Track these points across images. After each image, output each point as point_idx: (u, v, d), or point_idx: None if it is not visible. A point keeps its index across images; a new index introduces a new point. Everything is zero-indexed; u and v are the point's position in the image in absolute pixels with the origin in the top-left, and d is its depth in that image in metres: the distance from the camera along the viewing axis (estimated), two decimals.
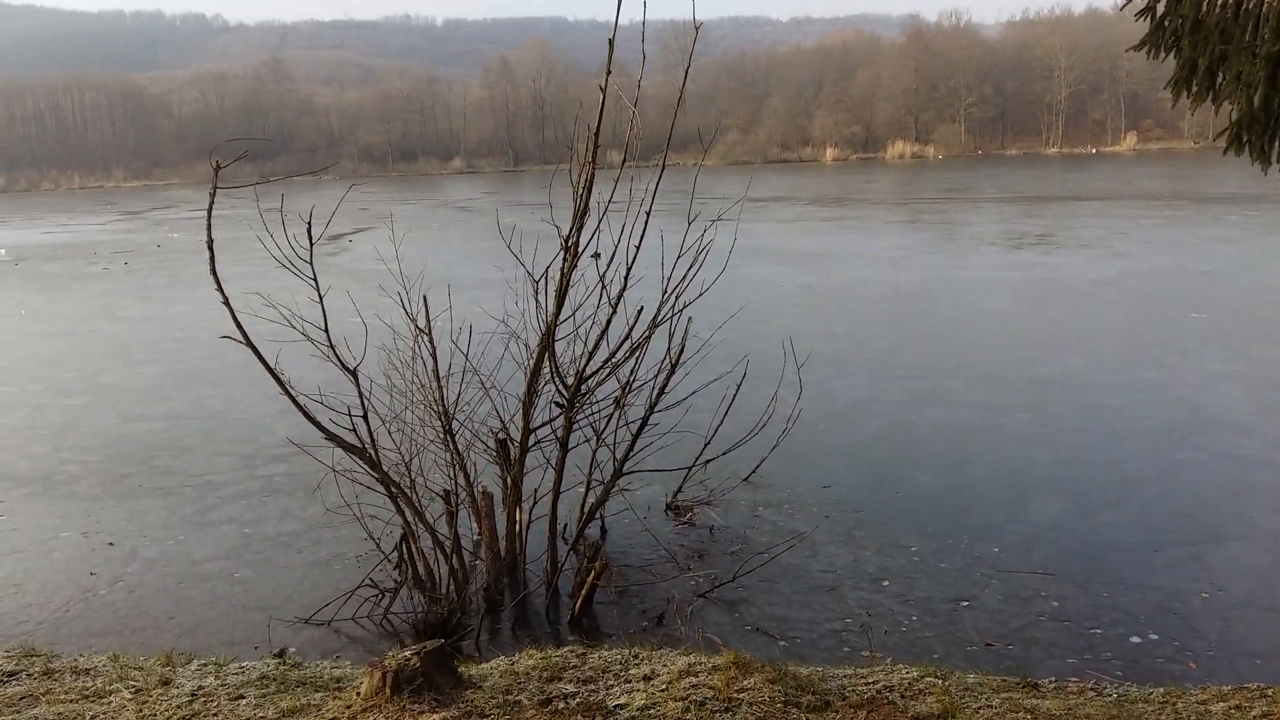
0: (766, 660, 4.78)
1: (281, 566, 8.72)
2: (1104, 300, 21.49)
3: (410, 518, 7.74)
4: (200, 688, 4.18)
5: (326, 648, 7.25)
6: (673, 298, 8.36)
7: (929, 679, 4.59)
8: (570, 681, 4.30)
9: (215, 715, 3.99)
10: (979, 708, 4.21)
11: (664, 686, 4.10)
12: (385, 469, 7.65)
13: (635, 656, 4.76)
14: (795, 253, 31.37)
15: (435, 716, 3.79)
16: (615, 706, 3.90)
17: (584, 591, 7.43)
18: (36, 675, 4.67)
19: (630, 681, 4.26)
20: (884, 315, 20.30)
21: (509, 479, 8.58)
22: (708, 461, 9.80)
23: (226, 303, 7.03)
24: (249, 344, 7.12)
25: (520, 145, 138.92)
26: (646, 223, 7.69)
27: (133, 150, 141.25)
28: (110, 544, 9.33)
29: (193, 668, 4.83)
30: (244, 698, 4.08)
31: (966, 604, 7.65)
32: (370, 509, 8.14)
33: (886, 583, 8.03)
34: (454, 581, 7.66)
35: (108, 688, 4.28)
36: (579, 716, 3.74)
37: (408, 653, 4.12)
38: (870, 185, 66.57)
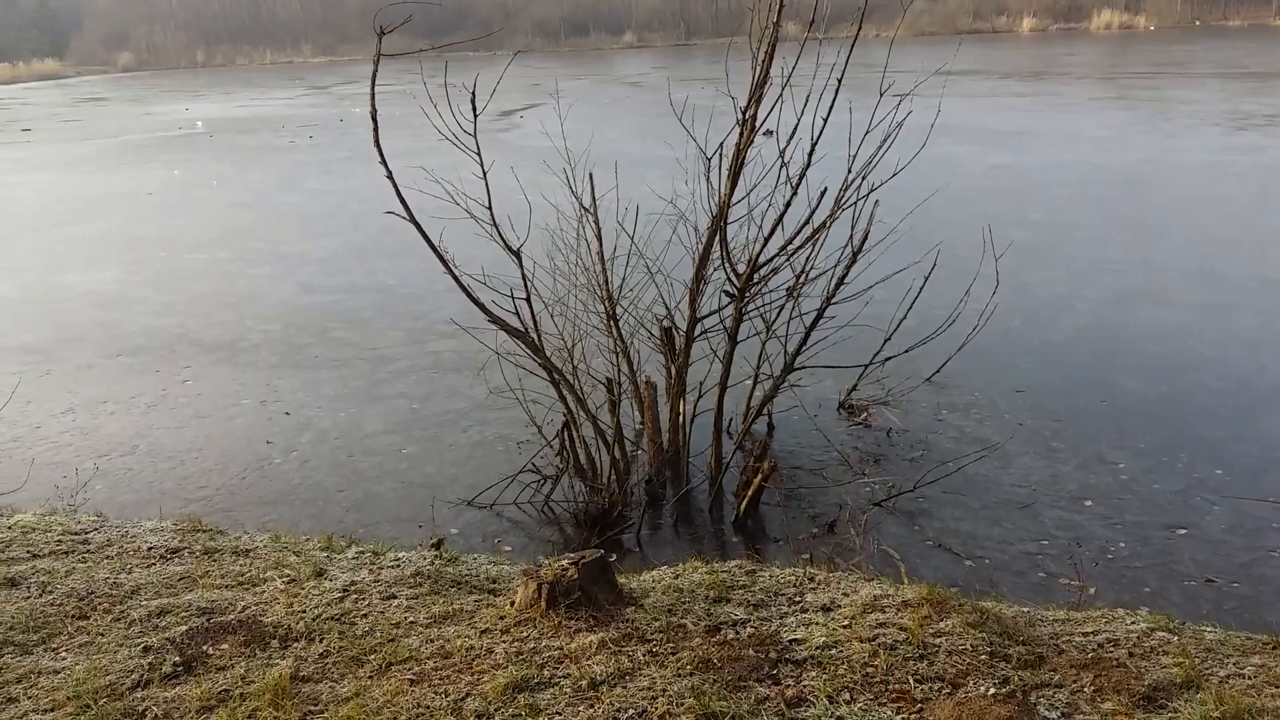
0: (964, 597, 4.22)
1: (447, 445, 8.70)
2: None
3: (572, 405, 7.46)
4: (353, 583, 4.03)
5: (487, 531, 7.16)
6: (859, 179, 7.54)
7: (1160, 633, 3.91)
8: (739, 605, 3.88)
9: (365, 615, 3.83)
10: (1227, 676, 3.52)
11: (846, 622, 3.62)
12: (548, 354, 7.36)
13: (811, 580, 4.30)
14: (988, 131, 28.97)
15: (592, 637, 3.47)
16: (791, 641, 3.46)
17: (750, 492, 6.99)
18: (198, 554, 4.67)
19: (807, 611, 3.80)
20: (1088, 201, 18.43)
21: (673, 369, 8.16)
22: (888, 359, 9.07)
23: (390, 177, 6.73)
24: (412, 220, 6.85)
25: (692, 18, 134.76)
26: (837, 93, 6.85)
27: (319, 25, 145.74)
28: (286, 414, 9.57)
29: (350, 555, 4.72)
30: (395, 598, 3.90)
31: (1184, 532, 6.77)
32: (533, 394, 7.91)
33: (1089, 502, 7.21)
34: (615, 472, 7.38)
35: (262, 575, 4.20)
36: (750, 650, 3.33)
37: (564, 561, 3.80)
38: (1072, 58, 60.74)
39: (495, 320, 7.09)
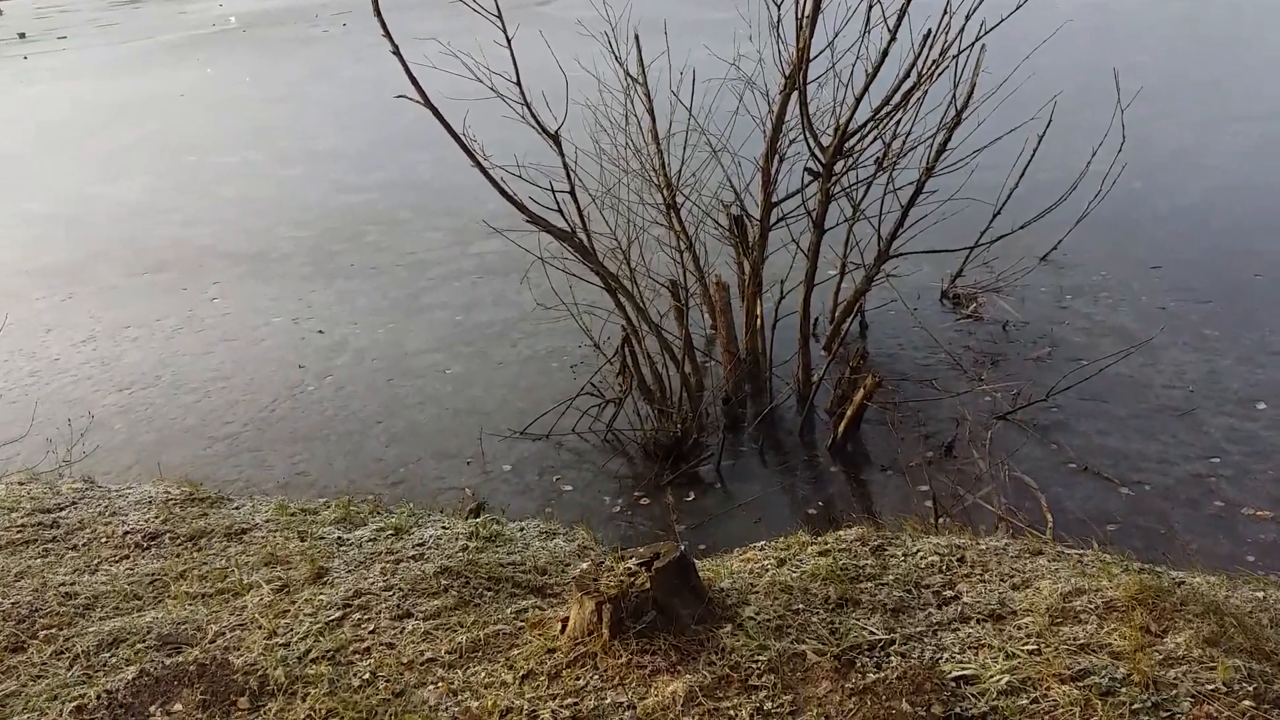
0: (1178, 585, 3.12)
1: (494, 362, 7.70)
2: None
3: (632, 314, 6.33)
4: (358, 592, 3.07)
5: (544, 465, 6.20)
6: (962, 19, 6.10)
7: None
8: (871, 610, 2.82)
9: (367, 649, 2.84)
10: None
11: (1031, 644, 2.56)
12: (599, 256, 6.21)
13: (959, 558, 3.20)
14: None
15: (676, 684, 2.44)
16: (959, 681, 2.42)
17: (850, 412, 5.87)
18: (181, 540, 3.77)
19: (969, 620, 2.74)
20: (1196, 41, 16.29)
21: (747, 265, 6.96)
22: (999, 237, 7.67)
23: (397, 52, 5.53)
24: (427, 104, 5.66)
25: None
26: None
27: None
28: (320, 332, 8.64)
29: (365, 535, 3.74)
30: (411, 616, 2.91)
31: None
32: (586, 303, 6.82)
33: (1262, 405, 5.94)
34: (686, 391, 6.29)
35: (249, 578, 3.26)
36: (903, 703, 2.29)
37: (633, 563, 2.76)
38: None
39: (535, 220, 5.93)
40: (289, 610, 2.96)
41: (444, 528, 3.77)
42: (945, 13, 5.94)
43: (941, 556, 3.25)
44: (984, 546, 3.39)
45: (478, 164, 5.74)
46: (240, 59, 29.40)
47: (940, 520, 4.92)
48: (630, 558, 2.80)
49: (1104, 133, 7.86)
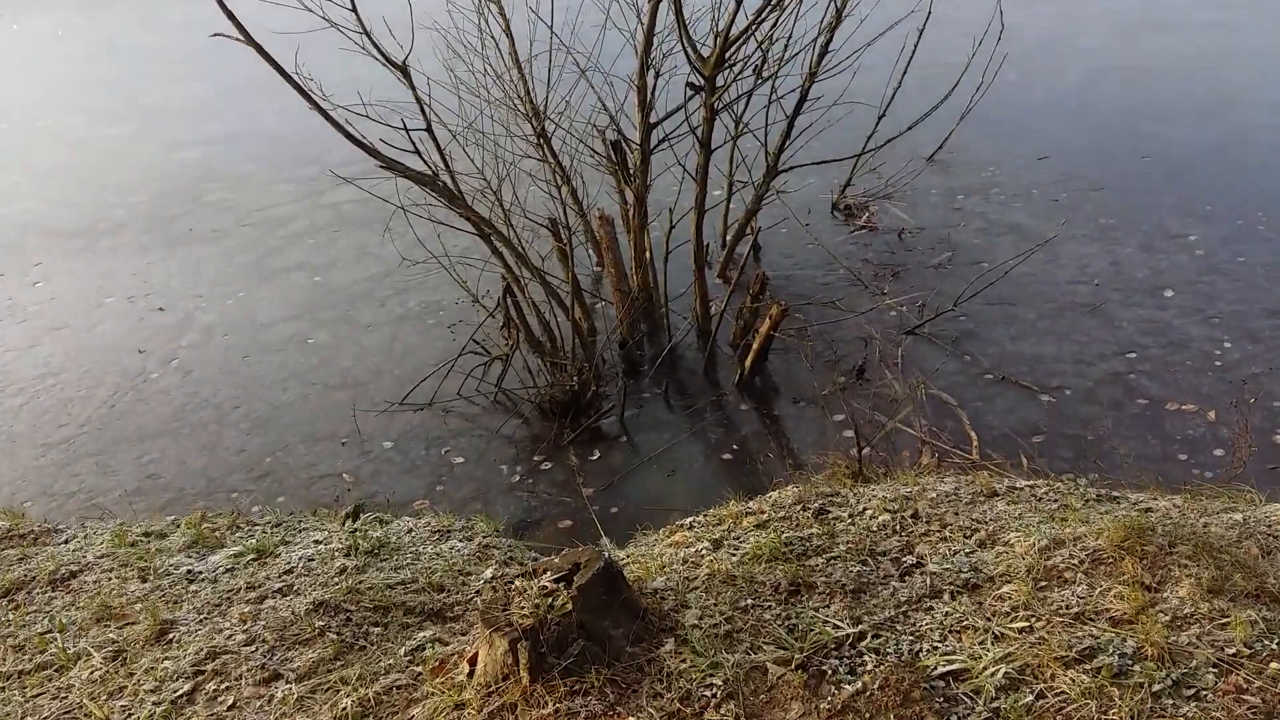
0: (1138, 505, 2.83)
1: (363, 326, 6.99)
2: None
3: (510, 260, 5.74)
4: (212, 651, 2.46)
5: (431, 437, 5.60)
6: None
7: None
8: (830, 594, 2.39)
9: None
10: None
11: (1022, 619, 2.17)
12: (468, 198, 5.57)
13: (912, 513, 2.81)
14: None
15: None
16: (945, 677, 2.03)
17: (756, 344, 5.47)
18: None
19: (943, 596, 2.34)
20: None
21: (630, 194, 6.43)
22: (885, 143, 7.35)
23: None
24: (249, 41, 4.86)
25: None
26: None
27: None
28: (160, 309, 7.72)
29: (222, 561, 3.10)
30: (280, 678, 2.34)
31: None
32: (458, 248, 6.18)
33: (1169, 292, 5.80)
34: (579, 338, 5.77)
35: (73, 644, 2.62)
36: (890, 718, 1.89)
37: (548, 579, 2.24)
38: None
39: (390, 165, 5.23)
40: (125, 687, 2.34)
41: (317, 542, 3.18)
42: None
43: (892, 514, 2.87)
44: (934, 494, 3.03)
45: (316, 106, 4.99)
46: (50, 11, 26.71)
47: (864, 451, 4.60)
48: (544, 572, 2.29)
49: (978, 24, 7.54)
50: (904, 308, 6.04)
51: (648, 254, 6.55)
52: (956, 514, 2.87)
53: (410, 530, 3.45)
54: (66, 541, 3.59)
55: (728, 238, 7.23)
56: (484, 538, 3.39)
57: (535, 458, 5.28)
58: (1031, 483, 3.23)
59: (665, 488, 4.87)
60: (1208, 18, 10.32)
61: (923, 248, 6.77)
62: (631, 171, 6.33)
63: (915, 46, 7.36)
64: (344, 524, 3.59)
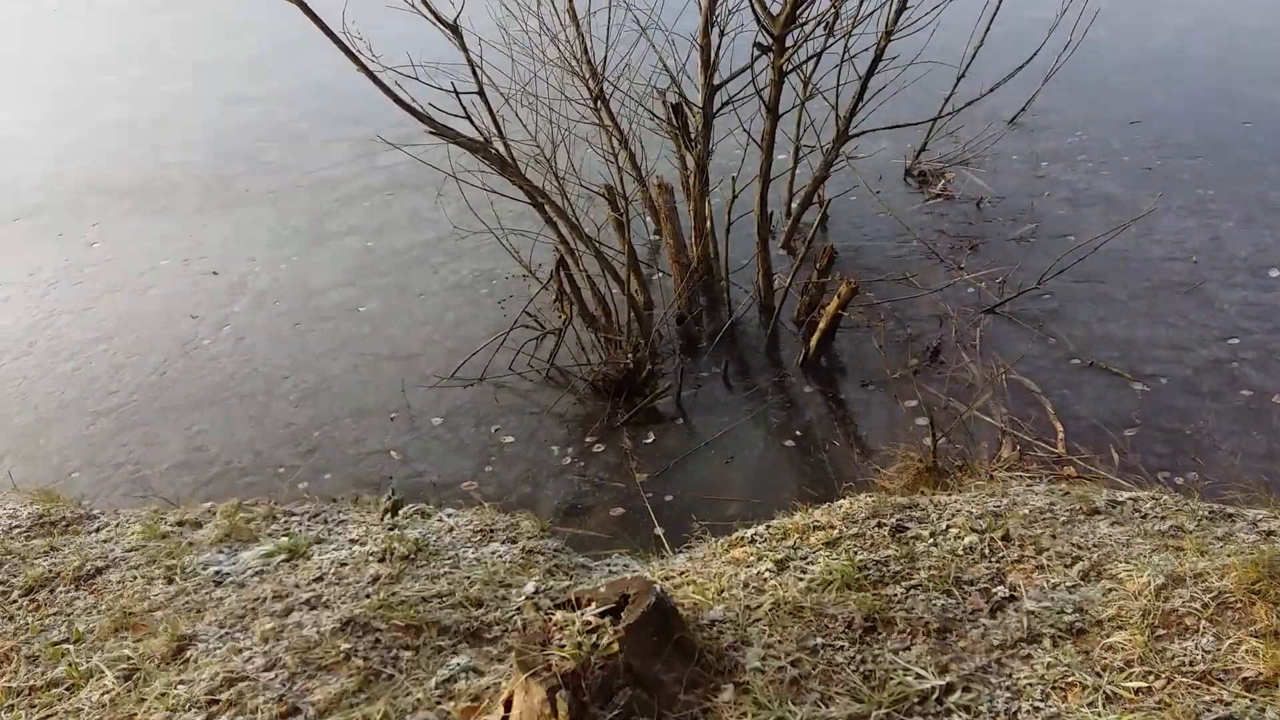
0: (1258, 525, 2.51)
1: (415, 294, 6.80)
2: None
3: (564, 230, 5.48)
4: (227, 679, 2.28)
5: (481, 414, 5.41)
6: None
7: None
8: (912, 633, 2.13)
9: None
10: None
11: (1135, 675, 1.89)
12: (521, 165, 5.30)
13: (1004, 534, 2.50)
14: None
15: None
16: None
17: (823, 324, 5.15)
18: (14, 595, 2.92)
19: (1042, 641, 2.05)
20: None
21: (691, 159, 6.10)
22: (964, 105, 6.88)
23: None
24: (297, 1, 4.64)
25: None
26: None
27: None
28: (215, 273, 7.62)
29: (252, 563, 2.93)
30: (297, 713, 2.16)
31: None
32: (511, 215, 5.94)
33: (1275, 272, 5.33)
34: (634, 312, 5.50)
35: (86, 665, 2.45)
36: None
37: (592, 613, 2.02)
38: None
39: (441, 131, 4.99)
40: (135, 715, 2.17)
41: (353, 541, 2.99)
42: None
43: (979, 534, 2.58)
44: (1025, 510, 2.72)
45: (363, 67, 4.74)
46: None
47: (939, 442, 4.28)
48: (588, 603, 2.05)
49: None
50: (983, 284, 5.66)
51: (708, 223, 6.24)
52: (1054, 536, 2.56)
53: (451, 530, 3.24)
54: (98, 530, 3.45)
55: (793, 206, 6.89)
56: (529, 539, 3.16)
57: (587, 439, 5.05)
58: (1134, 495, 2.89)
59: (723, 475, 4.61)
60: None
61: (1003, 219, 6.34)
62: (693, 136, 6.00)
63: (1000, 2, 6.85)
64: (383, 519, 3.40)
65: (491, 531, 3.22)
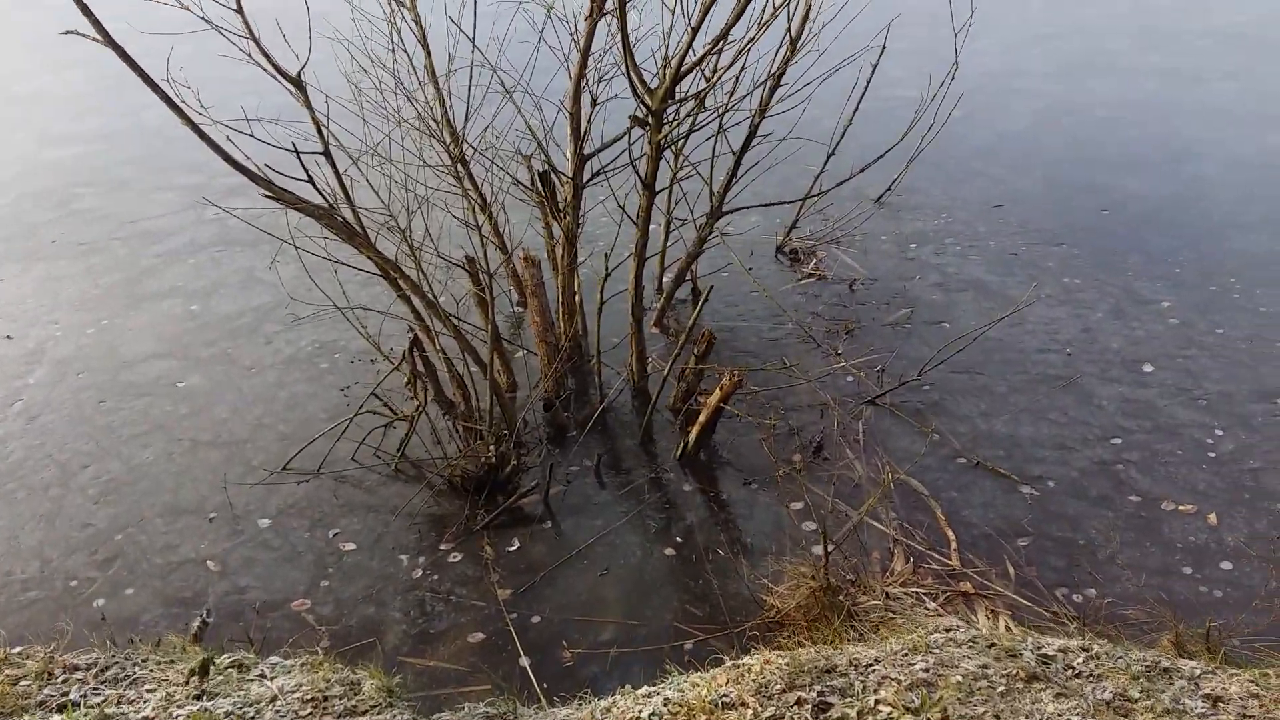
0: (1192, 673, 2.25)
1: (244, 368, 6.06)
2: None
3: (420, 306, 4.93)
4: None
5: (316, 515, 4.74)
6: None
7: None
8: None
9: None
10: None
11: None
12: (371, 233, 4.73)
13: (941, 715, 2.14)
14: None
15: None
16: None
17: (703, 417, 4.77)
18: None
19: None
20: None
21: (559, 230, 5.67)
22: (837, 184, 6.77)
23: None
24: (108, 41, 3.97)
25: None
26: None
27: None
28: (8, 337, 6.64)
29: None
30: None
31: None
32: (357, 283, 5.36)
33: (1149, 368, 5.32)
34: (497, 400, 4.98)
35: None
36: None
37: None
38: None
39: (278, 195, 4.38)
40: None
41: (163, 660, 2.35)
42: None
43: (914, 714, 2.19)
44: (959, 676, 2.37)
45: (188, 121, 4.09)
46: None
47: (830, 551, 3.95)
48: None
49: (922, 55, 7.04)
50: (862, 373, 5.43)
51: (577, 298, 5.81)
52: (996, 717, 2.22)
53: (275, 699, 2.63)
54: None
55: (664, 282, 6.57)
56: (372, 712, 2.59)
57: (442, 546, 4.47)
58: (1062, 646, 2.59)
59: (597, 591, 4.12)
60: (1151, 63, 10.11)
61: (877, 301, 6.18)
62: (561, 206, 5.58)
63: (868, 83, 6.81)
64: (189, 681, 2.75)
65: (325, 700, 2.63)
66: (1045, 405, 5.06)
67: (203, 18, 4.19)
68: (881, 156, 7.29)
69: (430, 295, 4.82)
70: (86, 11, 3.98)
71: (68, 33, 4.01)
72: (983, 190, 7.56)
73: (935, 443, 4.86)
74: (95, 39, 4.02)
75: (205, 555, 4.49)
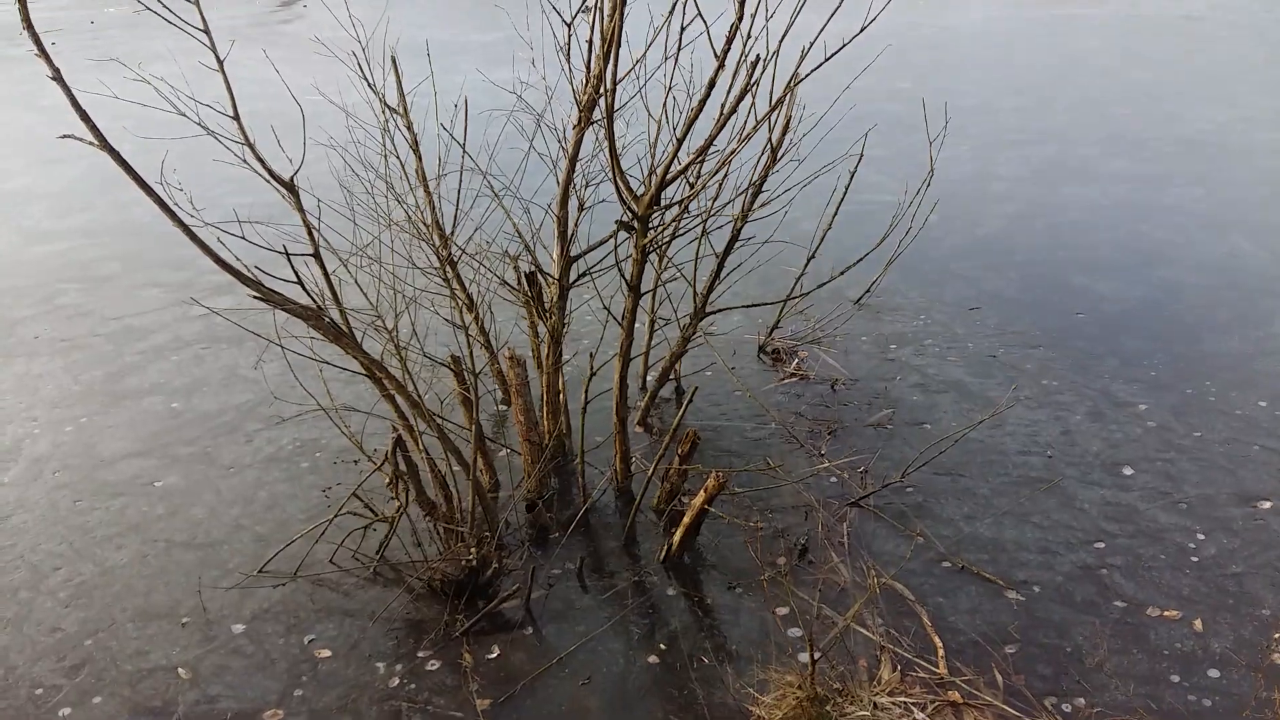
0: None
1: (224, 468, 6.00)
2: (1210, 37, 17.89)
3: (404, 406, 4.94)
4: None
5: (293, 621, 4.63)
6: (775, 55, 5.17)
7: None
8: None
9: None
10: None
11: None
12: (358, 332, 4.75)
13: None
14: None
15: None
16: None
17: (688, 519, 4.75)
18: None
19: None
20: (953, 65, 16.73)
21: (544, 330, 5.72)
22: (818, 286, 6.91)
23: (58, 77, 3.90)
24: (103, 144, 4.04)
25: None
26: None
27: None
28: None
29: None
30: None
31: (1270, 505, 5.01)
32: (341, 381, 5.36)
33: (1129, 470, 5.36)
34: (480, 502, 4.94)
35: None
36: None
37: None
38: None
39: (267, 297, 4.41)
40: None
41: None
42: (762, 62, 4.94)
43: None
44: None
45: (180, 224, 4.14)
46: None
47: (816, 659, 3.89)
48: None
49: (898, 161, 7.28)
50: (845, 474, 5.44)
51: (562, 396, 5.83)
52: None
53: None
54: None
55: (648, 379, 6.62)
56: None
57: (420, 653, 4.37)
58: None
59: (580, 702, 4.03)
60: (1120, 169, 10.47)
61: (859, 402, 6.23)
62: (547, 306, 5.64)
63: (846, 188, 7.00)
64: None
65: None
66: (1028, 508, 5.07)
67: (199, 123, 4.30)
68: (861, 259, 7.46)
69: (415, 395, 4.83)
70: (85, 118, 4.05)
71: (65, 137, 4.09)
72: (960, 292, 7.71)
73: (920, 546, 4.84)
74: (92, 143, 4.10)
75: (177, 662, 4.37)
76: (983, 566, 4.64)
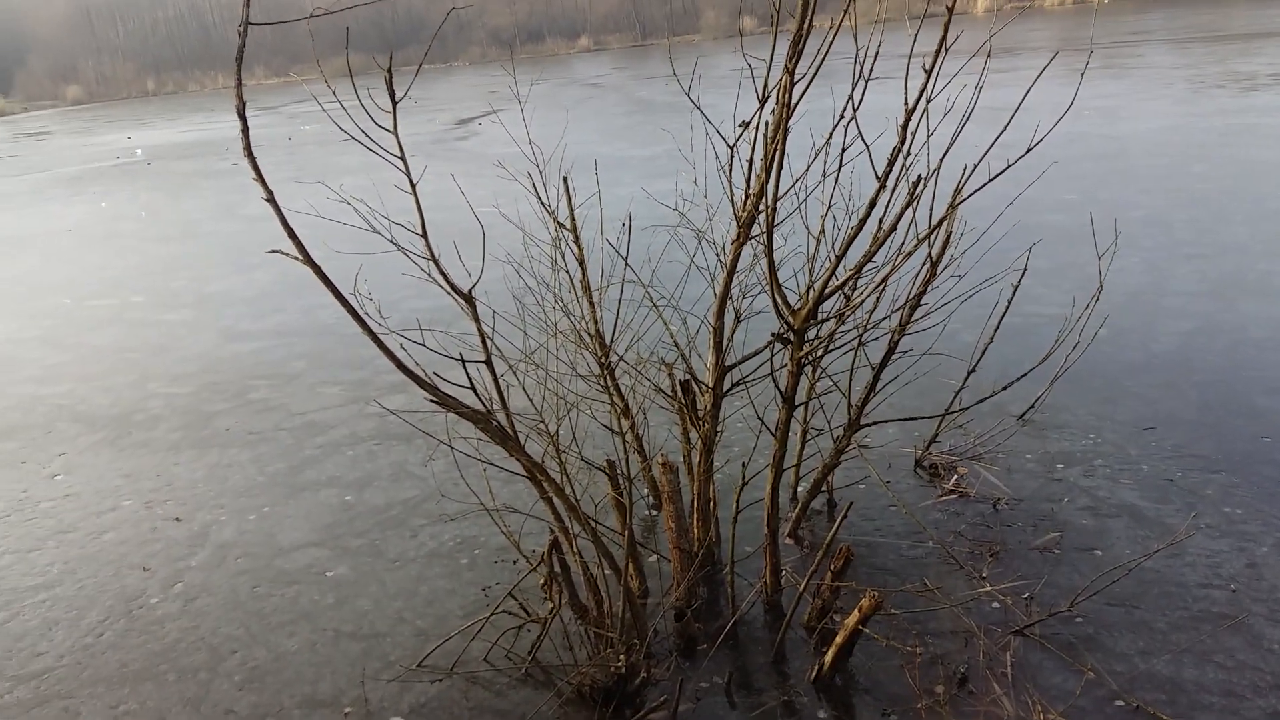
0: None
1: (390, 560, 6.28)
2: None
3: (561, 509, 5.09)
4: None
5: (447, 713, 4.76)
6: (932, 171, 5.21)
7: None
8: None
9: None
10: None
11: None
12: (521, 440, 4.97)
13: None
14: (979, 108, 26.73)
15: None
16: None
17: (841, 639, 4.65)
18: None
19: None
20: (1121, 176, 16.23)
21: (699, 438, 5.80)
22: (979, 400, 6.75)
23: (272, 199, 4.36)
24: (307, 260, 4.47)
25: (647, 18, 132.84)
26: (866, 71, 4.56)
27: (270, 48, 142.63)
28: (177, 519, 7.13)
29: None
30: None
31: None
32: (501, 480, 5.56)
33: None
34: (630, 609, 4.99)
35: None
36: None
37: None
38: (1038, 33, 58.74)
39: (442, 400, 4.70)
40: None
41: None
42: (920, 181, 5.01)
43: None
44: None
45: (369, 332, 4.50)
46: (139, 192, 28.04)
47: None
48: None
49: (1064, 274, 7.09)
50: (1009, 600, 5.21)
51: (712, 504, 5.86)
52: None
53: None
54: None
55: (799, 490, 6.57)
56: None
57: None
58: None
59: None
60: None
61: (1023, 523, 5.99)
62: (700, 414, 5.74)
63: (1009, 302, 6.87)
64: None
65: None
66: (1210, 646, 4.71)
67: (391, 240, 4.69)
68: (1026, 374, 7.26)
69: (572, 498, 4.98)
70: (292, 235, 4.49)
71: (273, 252, 4.55)
72: (1133, 410, 7.35)
73: (1090, 681, 4.55)
74: (296, 258, 4.54)
75: None
76: (1160, 708, 4.32)
